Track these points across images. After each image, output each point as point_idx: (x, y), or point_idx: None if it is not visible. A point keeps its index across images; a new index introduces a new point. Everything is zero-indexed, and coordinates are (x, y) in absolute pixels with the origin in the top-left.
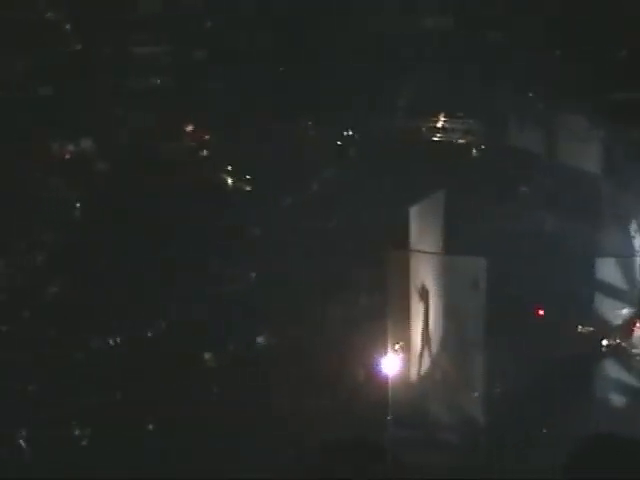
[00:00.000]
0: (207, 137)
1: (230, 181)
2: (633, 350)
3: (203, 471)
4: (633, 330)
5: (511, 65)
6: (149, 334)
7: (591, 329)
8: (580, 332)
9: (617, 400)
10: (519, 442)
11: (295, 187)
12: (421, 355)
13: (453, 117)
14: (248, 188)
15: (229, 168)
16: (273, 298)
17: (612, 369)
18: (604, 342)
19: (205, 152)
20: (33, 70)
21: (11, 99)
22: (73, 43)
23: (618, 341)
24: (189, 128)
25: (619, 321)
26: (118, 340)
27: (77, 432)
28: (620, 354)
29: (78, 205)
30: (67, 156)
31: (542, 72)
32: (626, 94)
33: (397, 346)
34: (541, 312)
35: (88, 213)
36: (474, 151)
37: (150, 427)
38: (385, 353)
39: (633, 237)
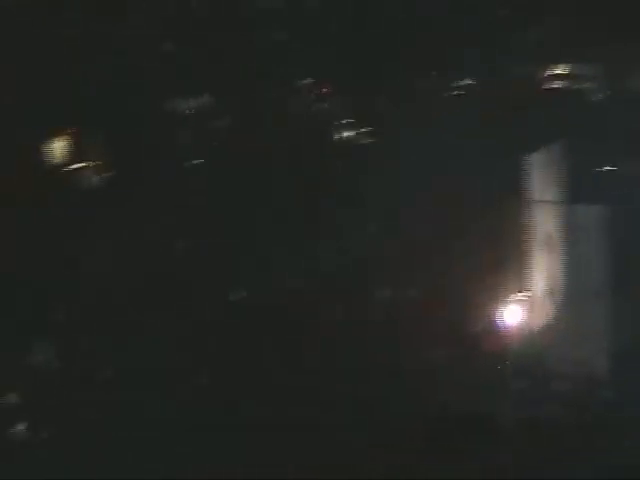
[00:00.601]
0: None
1: (350, 133)
2: None
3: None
4: None
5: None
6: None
7: None
8: None
9: None
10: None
11: (414, 139)
12: (543, 305)
13: (577, 63)
14: (369, 140)
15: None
16: (394, 251)
17: None
18: None
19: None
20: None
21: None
22: None
23: None
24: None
25: None
26: None
27: None
28: None
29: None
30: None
31: None
32: None
33: (520, 296)
34: None
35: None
36: (597, 97)
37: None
38: (507, 303)
39: None
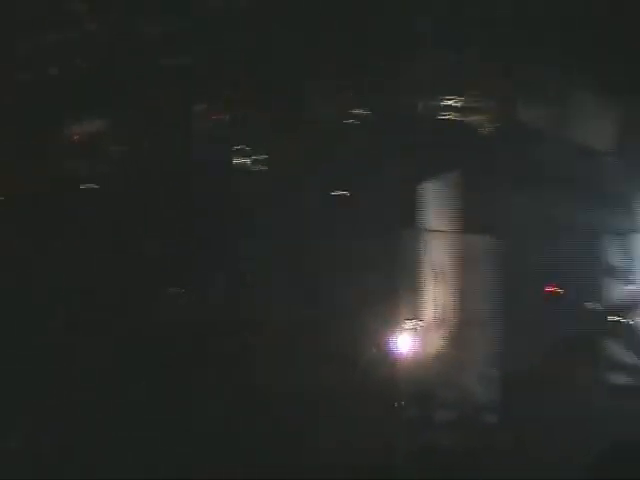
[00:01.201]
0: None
1: (246, 162)
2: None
3: None
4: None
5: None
6: None
7: (599, 306)
8: (588, 309)
9: (618, 377)
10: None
11: (308, 168)
12: (434, 333)
13: (466, 96)
14: (263, 168)
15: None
16: (288, 277)
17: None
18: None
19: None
20: None
21: None
22: None
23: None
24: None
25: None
26: None
27: None
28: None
29: None
30: None
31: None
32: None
33: (409, 324)
34: (552, 290)
35: None
36: (487, 129)
37: None
38: (397, 331)
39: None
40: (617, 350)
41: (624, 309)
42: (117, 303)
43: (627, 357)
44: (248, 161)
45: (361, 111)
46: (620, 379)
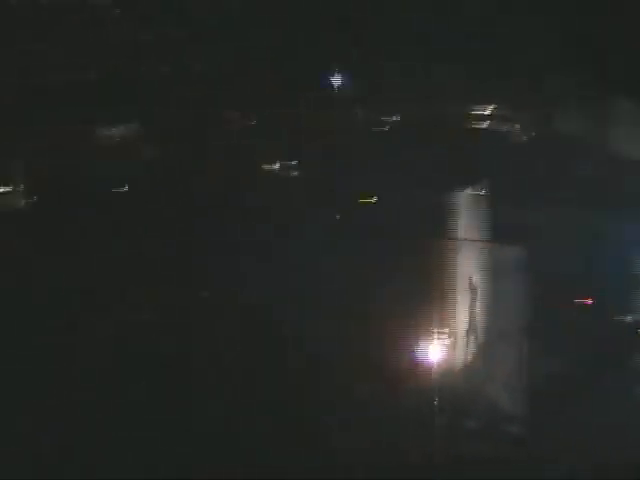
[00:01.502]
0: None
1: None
2: None
3: None
4: None
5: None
6: None
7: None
8: (618, 321)
9: None
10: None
11: (341, 175)
12: (467, 343)
13: (503, 105)
14: (294, 173)
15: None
16: (323, 287)
17: None
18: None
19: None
20: None
21: None
22: None
23: None
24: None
25: None
26: None
27: None
28: None
29: None
30: None
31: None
32: None
33: (442, 335)
34: (585, 301)
35: None
36: (523, 139)
37: None
38: (431, 341)
39: None
40: None
41: None
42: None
43: None
44: (276, 166)
45: (392, 118)
46: None
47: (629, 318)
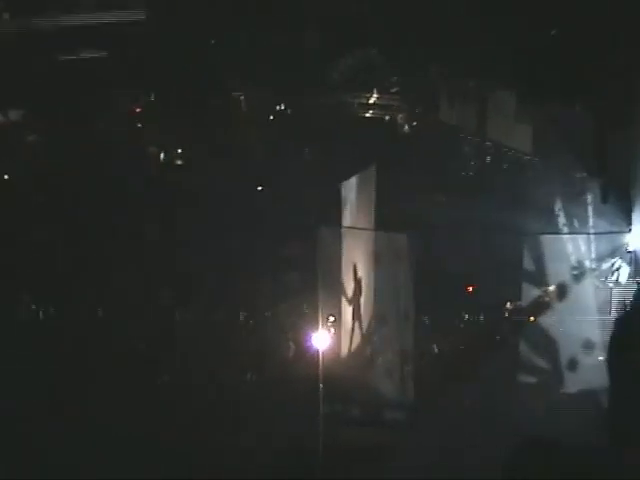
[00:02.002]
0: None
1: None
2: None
3: None
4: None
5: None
6: None
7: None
8: (508, 308)
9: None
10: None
11: (226, 162)
12: (352, 330)
13: (385, 94)
14: (179, 162)
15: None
16: (206, 275)
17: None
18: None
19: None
20: None
21: None
22: None
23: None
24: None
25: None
26: None
27: None
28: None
29: None
30: None
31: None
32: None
33: (329, 321)
34: (470, 288)
35: None
36: (405, 127)
37: None
38: (317, 328)
39: (557, 215)
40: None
41: (534, 309)
42: None
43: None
44: (169, 156)
45: (281, 108)
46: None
47: (508, 304)
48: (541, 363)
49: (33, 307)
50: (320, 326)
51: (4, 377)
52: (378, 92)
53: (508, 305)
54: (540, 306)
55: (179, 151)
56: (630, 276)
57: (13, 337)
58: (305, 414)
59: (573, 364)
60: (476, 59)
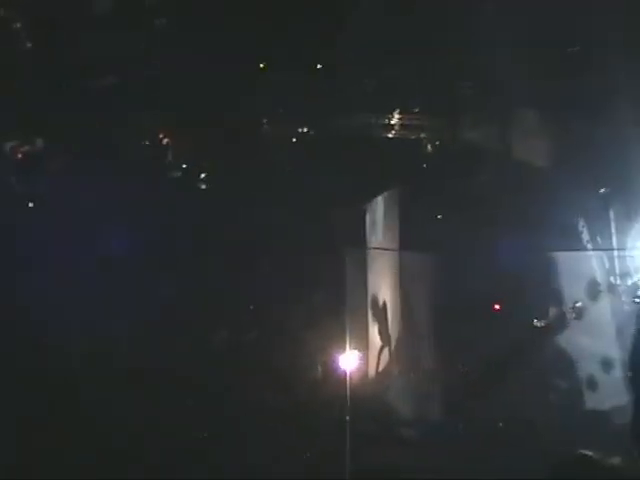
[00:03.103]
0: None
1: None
2: None
3: None
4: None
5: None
6: None
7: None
8: (535, 326)
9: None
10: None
11: (251, 185)
12: (380, 352)
13: (408, 114)
14: (204, 186)
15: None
16: (233, 297)
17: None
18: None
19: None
20: None
21: None
22: None
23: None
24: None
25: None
26: None
27: None
28: None
29: None
30: None
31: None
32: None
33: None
34: (497, 307)
35: None
36: (429, 147)
37: None
38: (344, 350)
39: (581, 231)
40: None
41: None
42: None
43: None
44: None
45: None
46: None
47: (535, 321)
48: (568, 380)
49: None
50: (347, 347)
51: None
52: (400, 112)
53: (535, 322)
54: (566, 323)
55: (202, 176)
56: None
57: None
58: (332, 434)
59: (598, 381)
60: (499, 77)
